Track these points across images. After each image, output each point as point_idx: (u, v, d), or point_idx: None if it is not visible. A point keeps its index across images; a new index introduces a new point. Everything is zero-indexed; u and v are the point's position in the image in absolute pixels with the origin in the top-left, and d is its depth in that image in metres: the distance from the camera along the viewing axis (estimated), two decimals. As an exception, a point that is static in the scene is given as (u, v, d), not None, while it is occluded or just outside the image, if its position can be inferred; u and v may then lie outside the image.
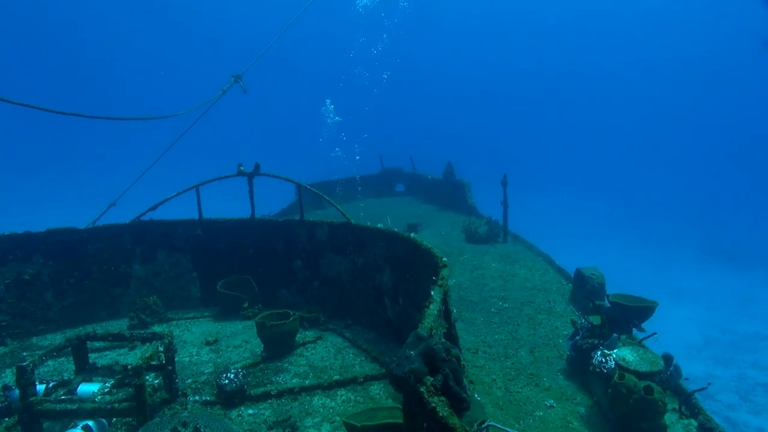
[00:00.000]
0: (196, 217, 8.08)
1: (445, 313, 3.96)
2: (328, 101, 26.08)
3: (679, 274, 33.60)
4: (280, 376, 5.81)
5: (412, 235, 5.96)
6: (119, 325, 7.55)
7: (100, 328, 7.43)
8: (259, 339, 6.47)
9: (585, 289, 7.63)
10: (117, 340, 5.22)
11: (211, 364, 6.18)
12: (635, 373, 4.49)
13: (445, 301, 3.85)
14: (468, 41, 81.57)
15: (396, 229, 7.91)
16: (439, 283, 3.97)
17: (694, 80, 75.17)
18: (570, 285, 8.79)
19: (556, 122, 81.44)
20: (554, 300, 8.14)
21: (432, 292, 3.70)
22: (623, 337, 5.14)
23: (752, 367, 19.96)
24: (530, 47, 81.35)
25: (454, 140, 68.14)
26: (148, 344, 5.28)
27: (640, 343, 5.22)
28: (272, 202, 15.42)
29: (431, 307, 3.45)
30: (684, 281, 32.08)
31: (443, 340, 3.85)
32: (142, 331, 5.22)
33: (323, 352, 6.46)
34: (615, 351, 4.82)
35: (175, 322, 7.58)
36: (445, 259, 4.62)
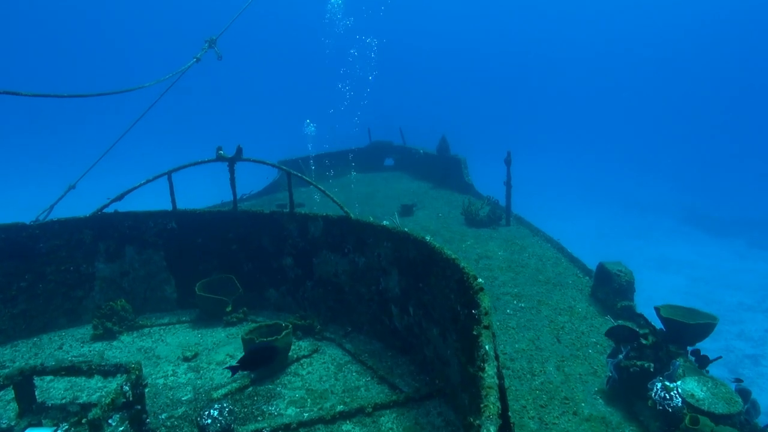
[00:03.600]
0: (170, 207, 6.99)
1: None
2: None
3: (661, 243, 33.66)
4: (272, 405, 4.93)
5: (428, 238, 5.03)
6: (82, 333, 6.54)
7: (58, 338, 6.43)
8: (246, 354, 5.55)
9: (610, 287, 6.88)
10: (71, 374, 4.23)
11: (189, 388, 5.26)
12: (710, 415, 3.72)
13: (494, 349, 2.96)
14: (459, 13, 79.34)
15: (397, 220, 6.97)
16: (485, 322, 3.06)
17: (679, 46, 74.57)
18: (587, 278, 8.06)
19: (538, 87, 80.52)
20: (573, 297, 7.38)
21: (484, 344, 2.78)
22: (680, 361, 4.38)
23: (738, 338, 19.97)
24: (522, 16, 79.65)
25: (439, 113, 66.57)
26: (111, 378, 4.32)
27: (702, 370, 4.46)
28: (253, 180, 14.26)
29: (488, 369, 2.54)
30: (666, 250, 32.13)
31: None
32: (103, 363, 4.24)
33: (321, 369, 5.58)
34: (679, 383, 4.05)
35: (147, 330, 6.60)
36: (480, 280, 3.71)
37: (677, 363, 4.19)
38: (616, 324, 5.55)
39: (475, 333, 3.07)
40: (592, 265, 8.64)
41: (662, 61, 75.15)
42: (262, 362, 4.29)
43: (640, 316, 5.06)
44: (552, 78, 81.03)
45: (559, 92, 79.40)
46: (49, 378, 5.36)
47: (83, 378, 5.39)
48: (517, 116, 74.20)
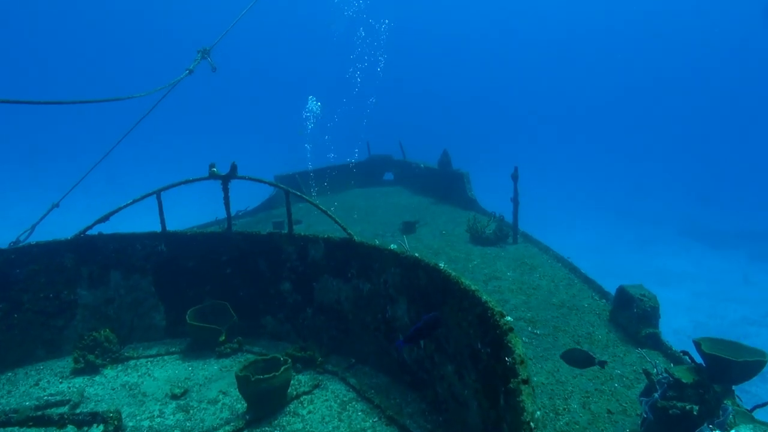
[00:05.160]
0: (158, 229, 6.51)
1: None
2: None
3: (661, 255, 33.36)
4: (270, 452, 4.42)
5: (441, 264, 4.57)
6: (61, 367, 6.00)
7: (35, 372, 5.89)
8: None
9: (631, 313, 6.42)
10: (40, 425, 3.72)
11: (178, 432, 4.74)
12: (772, 472, 3.24)
13: None
14: (457, 23, 79.82)
15: (406, 244, 6.53)
16: (522, 375, 2.58)
17: (682, 57, 74.97)
18: (603, 301, 7.60)
19: (535, 98, 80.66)
20: (591, 322, 6.90)
21: (528, 407, 2.30)
22: (730, 405, 3.90)
23: (744, 355, 19.44)
24: (523, 27, 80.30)
25: (436, 126, 66.35)
26: (86, 429, 3.81)
27: (752, 414, 3.99)
28: (249, 195, 13.77)
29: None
30: (667, 263, 31.83)
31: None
32: (77, 412, 3.74)
33: (324, 409, 5.07)
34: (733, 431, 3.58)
35: (133, 363, 6.07)
36: (509, 318, 3.25)
37: (729, 408, 3.72)
38: (651, 362, 5.08)
39: (512, 386, 2.59)
40: (602, 283, 8.21)
41: (662, 72, 75.64)
42: (431, 332, 4.05)
43: (686, 353, 4.60)
44: (549, 85, 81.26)
45: (555, 101, 79.57)
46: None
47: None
48: (511, 127, 74.21)
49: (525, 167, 10.48)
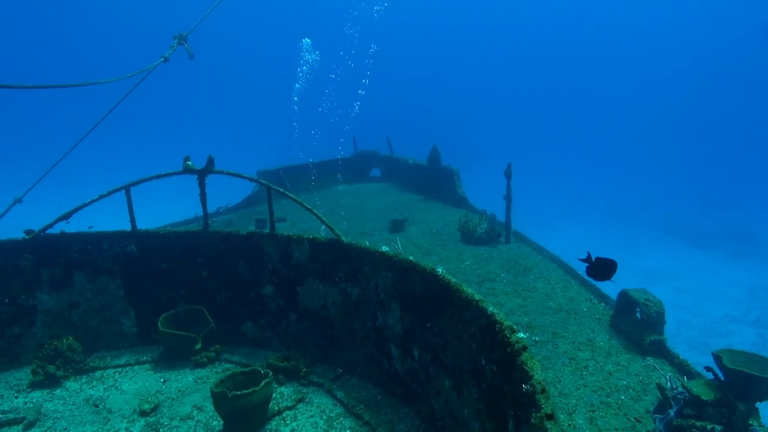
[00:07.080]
0: (128, 227, 5.98)
1: None
2: None
3: (645, 254, 33.50)
4: (248, 479, 3.96)
5: (439, 270, 4.14)
6: (18, 379, 5.45)
7: (-12, 387, 5.33)
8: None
9: (634, 318, 6.08)
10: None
11: (145, 455, 4.25)
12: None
13: None
14: (449, 21, 79.29)
15: (399, 246, 6.10)
16: (546, 409, 2.17)
17: (679, 65, 75.58)
18: (603, 304, 7.27)
19: (529, 95, 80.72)
20: (592, 328, 6.56)
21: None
22: (757, 426, 3.56)
23: (727, 352, 19.51)
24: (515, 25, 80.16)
25: (423, 122, 65.79)
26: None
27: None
28: (230, 190, 13.19)
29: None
30: (651, 261, 31.98)
31: None
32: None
33: (308, 426, 4.62)
34: (763, 460, 3.23)
35: (99, 374, 5.54)
36: (521, 335, 2.84)
37: (759, 431, 3.38)
38: (665, 376, 4.72)
39: (534, 422, 2.18)
40: (594, 283, 7.88)
41: (655, 77, 76.31)
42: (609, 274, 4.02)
43: (709, 369, 4.24)
44: (543, 83, 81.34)
45: (549, 98, 79.69)
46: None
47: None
48: (502, 124, 74.23)
49: (515, 164, 10.07)
